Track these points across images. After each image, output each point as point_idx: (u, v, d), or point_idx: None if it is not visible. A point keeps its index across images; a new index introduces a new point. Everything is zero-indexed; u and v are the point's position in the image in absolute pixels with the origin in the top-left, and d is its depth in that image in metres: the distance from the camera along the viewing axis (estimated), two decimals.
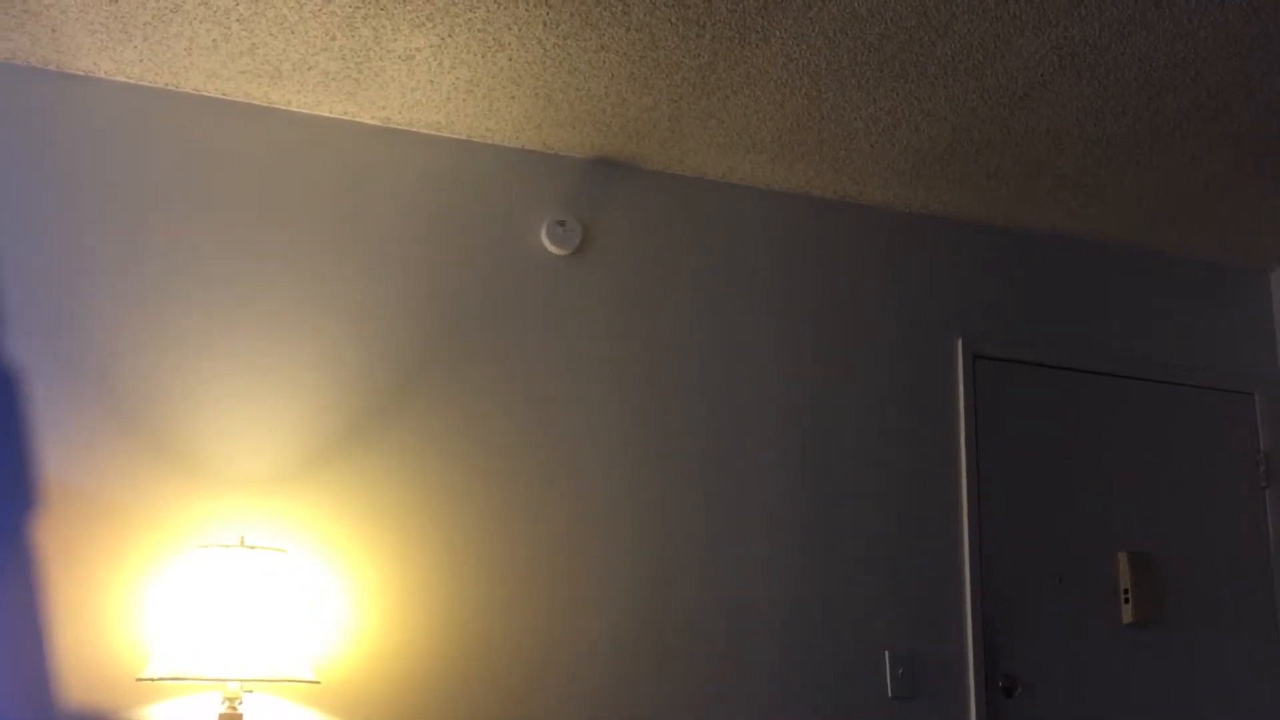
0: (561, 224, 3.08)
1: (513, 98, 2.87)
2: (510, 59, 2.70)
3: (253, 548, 2.44)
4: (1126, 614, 3.39)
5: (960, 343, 3.42)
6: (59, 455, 2.59)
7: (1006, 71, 2.74)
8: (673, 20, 2.55)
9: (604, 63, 2.71)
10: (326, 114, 2.96)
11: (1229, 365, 3.75)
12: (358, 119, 2.99)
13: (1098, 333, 3.62)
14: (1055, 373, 3.52)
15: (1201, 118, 2.94)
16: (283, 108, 2.94)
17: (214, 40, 2.65)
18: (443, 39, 2.62)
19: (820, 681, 3.04)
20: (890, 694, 3.09)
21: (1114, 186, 3.32)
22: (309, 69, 2.76)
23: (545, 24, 2.56)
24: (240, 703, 2.45)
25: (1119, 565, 3.43)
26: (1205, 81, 2.77)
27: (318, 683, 2.55)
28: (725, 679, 2.96)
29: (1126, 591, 3.40)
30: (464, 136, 3.07)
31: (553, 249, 3.07)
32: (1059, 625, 3.32)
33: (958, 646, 3.19)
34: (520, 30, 2.59)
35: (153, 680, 2.38)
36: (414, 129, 3.03)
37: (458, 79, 2.79)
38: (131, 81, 2.83)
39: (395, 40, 2.63)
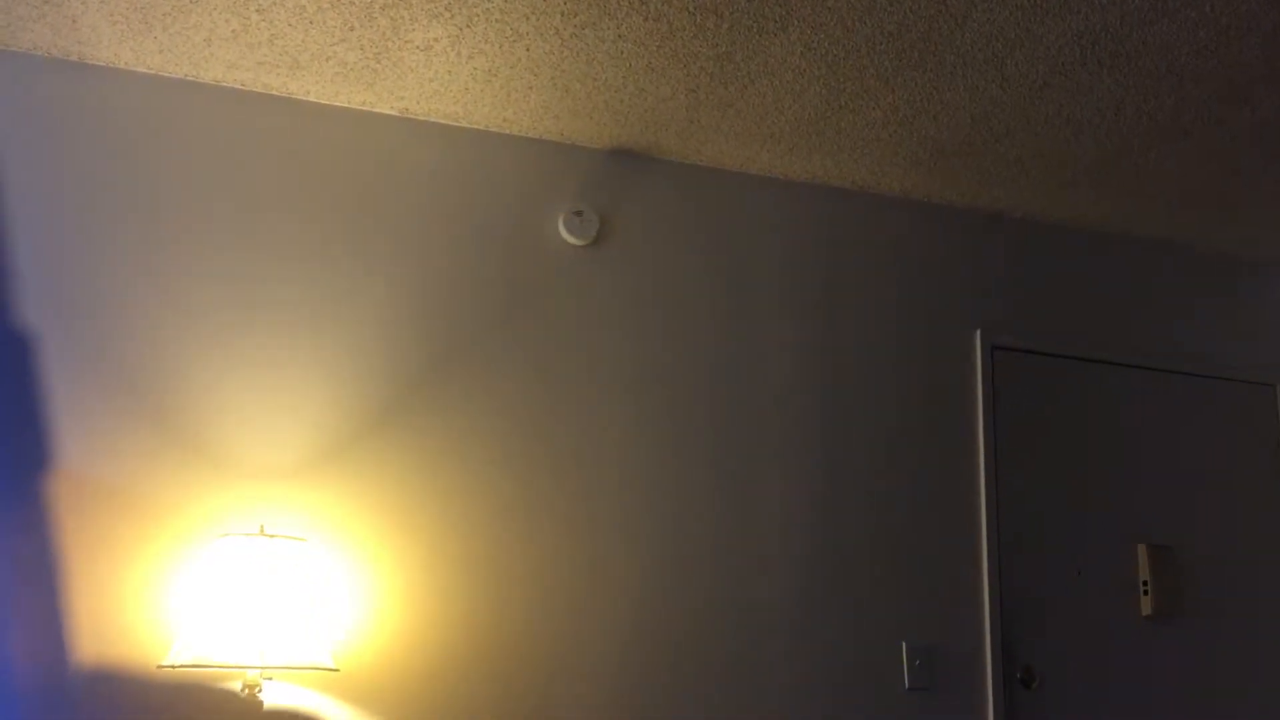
0: (579, 214, 3.08)
1: (530, 88, 2.87)
2: (528, 49, 2.70)
3: (272, 537, 2.46)
4: (1145, 606, 3.38)
5: (978, 334, 3.41)
6: (80, 446, 2.60)
7: (1026, 60, 2.72)
8: (690, 10, 2.54)
9: (621, 53, 2.71)
10: (345, 104, 2.97)
11: (1249, 357, 3.73)
12: (376, 109, 2.99)
13: (1117, 324, 3.60)
14: (1074, 364, 3.50)
15: (1224, 107, 2.92)
16: (301, 98, 2.94)
17: (233, 31, 2.65)
18: (461, 29, 2.63)
19: (837, 673, 3.04)
20: (907, 685, 3.08)
21: (1134, 177, 3.30)
22: (327, 59, 2.77)
23: (563, 14, 2.56)
24: (260, 690, 2.46)
25: (1138, 557, 3.42)
26: (1228, 71, 2.75)
27: (336, 671, 2.57)
28: (741, 670, 2.97)
29: (1145, 584, 3.39)
30: (482, 127, 3.07)
31: (570, 239, 3.07)
32: (1077, 617, 3.31)
33: (975, 638, 3.18)
34: (538, 20, 2.59)
35: (174, 667, 2.40)
36: (432, 119, 3.04)
37: (476, 69, 2.79)
38: (151, 72, 2.85)
39: (413, 30, 2.64)
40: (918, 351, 3.35)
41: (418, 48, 2.71)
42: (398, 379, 2.87)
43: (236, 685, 2.57)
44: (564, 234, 3.07)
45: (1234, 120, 2.98)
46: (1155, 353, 3.60)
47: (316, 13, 2.58)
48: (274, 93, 2.92)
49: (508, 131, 3.10)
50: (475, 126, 3.07)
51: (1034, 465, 3.38)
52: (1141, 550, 3.42)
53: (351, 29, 2.64)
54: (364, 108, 2.99)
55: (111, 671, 2.52)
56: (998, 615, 3.21)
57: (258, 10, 2.57)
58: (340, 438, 2.79)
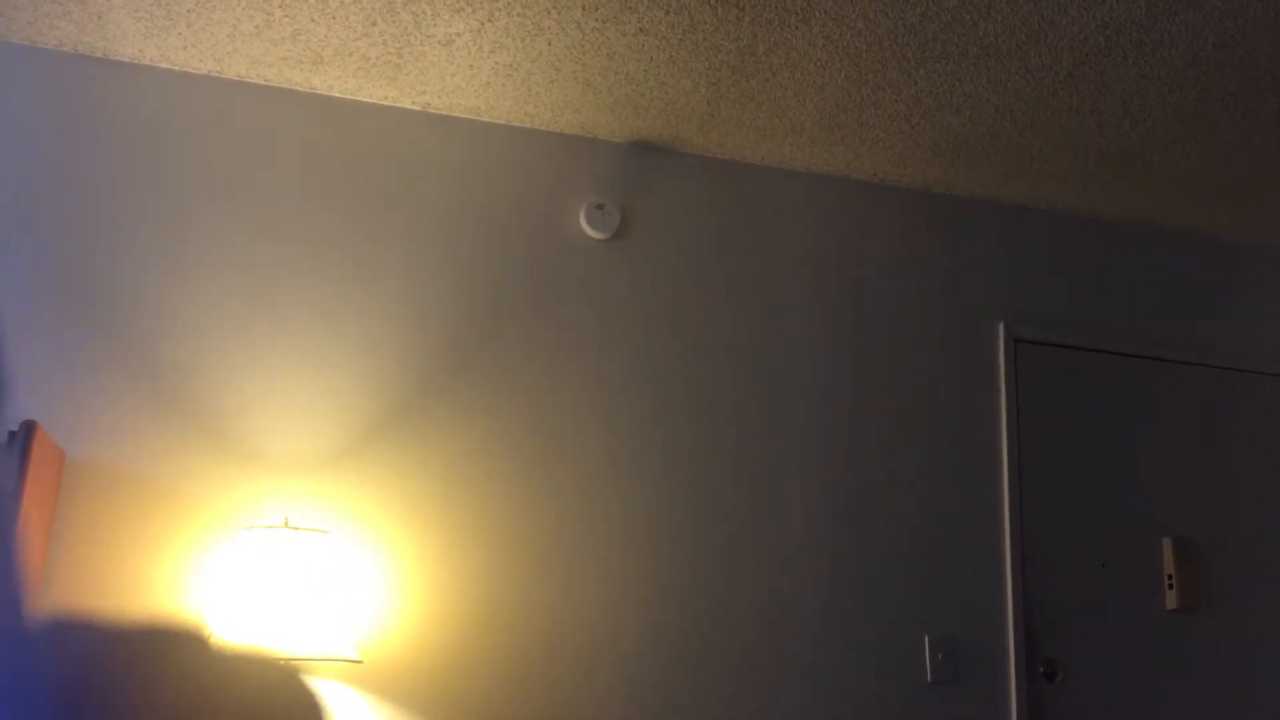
0: (600, 208, 3.09)
1: (552, 82, 2.88)
2: (549, 43, 2.70)
3: (296, 529, 2.47)
4: (1170, 600, 3.36)
5: (1002, 326, 3.39)
6: (106, 439, 2.63)
7: (1050, 51, 2.71)
8: (712, 2, 2.54)
9: (643, 46, 2.71)
10: (367, 99, 2.98)
11: (1276, 349, 3.70)
12: (398, 104, 3.00)
13: (1141, 316, 3.57)
14: (1098, 357, 3.48)
15: (1249, 97, 2.89)
16: (324, 93, 2.96)
17: (256, 27, 2.67)
18: (482, 23, 2.63)
19: (859, 665, 3.04)
20: (930, 679, 3.08)
21: (1159, 168, 3.27)
22: (350, 54, 2.78)
23: (584, 8, 2.56)
24: None
25: (1163, 551, 3.40)
26: (1253, 60, 2.73)
27: (360, 662, 2.58)
28: (763, 664, 2.97)
29: (1170, 577, 3.37)
30: (503, 121, 3.08)
31: (591, 233, 3.08)
32: (1101, 611, 3.30)
33: (998, 631, 3.17)
34: (559, 14, 2.59)
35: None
36: (454, 114, 3.04)
37: (497, 63, 2.80)
38: (176, 68, 2.86)
39: (435, 25, 2.64)
40: (940, 344, 3.34)
41: (439, 42, 2.71)
42: (420, 373, 2.88)
43: None
44: (585, 228, 3.07)
45: (1259, 111, 2.95)
46: (1180, 345, 3.58)
47: (339, 8, 2.59)
48: (297, 88, 2.94)
49: (529, 125, 3.10)
50: (497, 121, 3.08)
51: (1057, 458, 3.37)
52: (1166, 544, 3.40)
53: (374, 24, 2.65)
54: (386, 102, 3.00)
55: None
56: (1021, 608, 3.19)
57: (280, 6, 2.58)
58: (364, 431, 2.81)
